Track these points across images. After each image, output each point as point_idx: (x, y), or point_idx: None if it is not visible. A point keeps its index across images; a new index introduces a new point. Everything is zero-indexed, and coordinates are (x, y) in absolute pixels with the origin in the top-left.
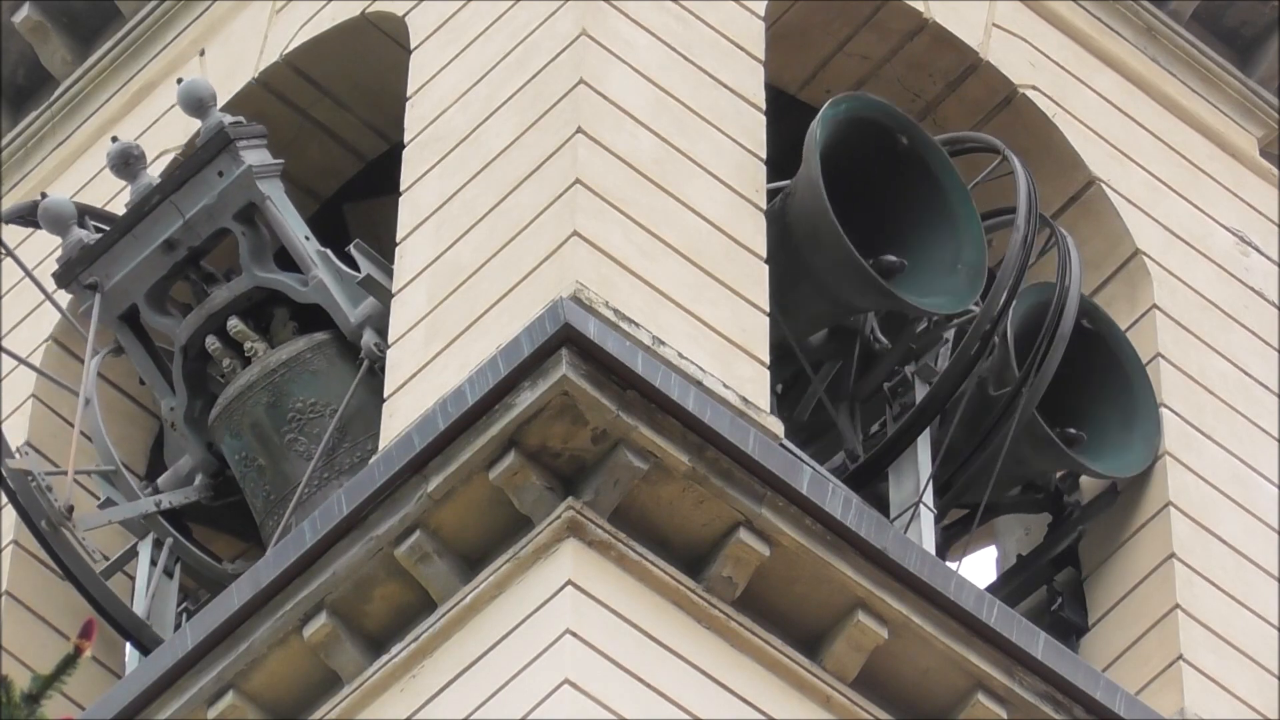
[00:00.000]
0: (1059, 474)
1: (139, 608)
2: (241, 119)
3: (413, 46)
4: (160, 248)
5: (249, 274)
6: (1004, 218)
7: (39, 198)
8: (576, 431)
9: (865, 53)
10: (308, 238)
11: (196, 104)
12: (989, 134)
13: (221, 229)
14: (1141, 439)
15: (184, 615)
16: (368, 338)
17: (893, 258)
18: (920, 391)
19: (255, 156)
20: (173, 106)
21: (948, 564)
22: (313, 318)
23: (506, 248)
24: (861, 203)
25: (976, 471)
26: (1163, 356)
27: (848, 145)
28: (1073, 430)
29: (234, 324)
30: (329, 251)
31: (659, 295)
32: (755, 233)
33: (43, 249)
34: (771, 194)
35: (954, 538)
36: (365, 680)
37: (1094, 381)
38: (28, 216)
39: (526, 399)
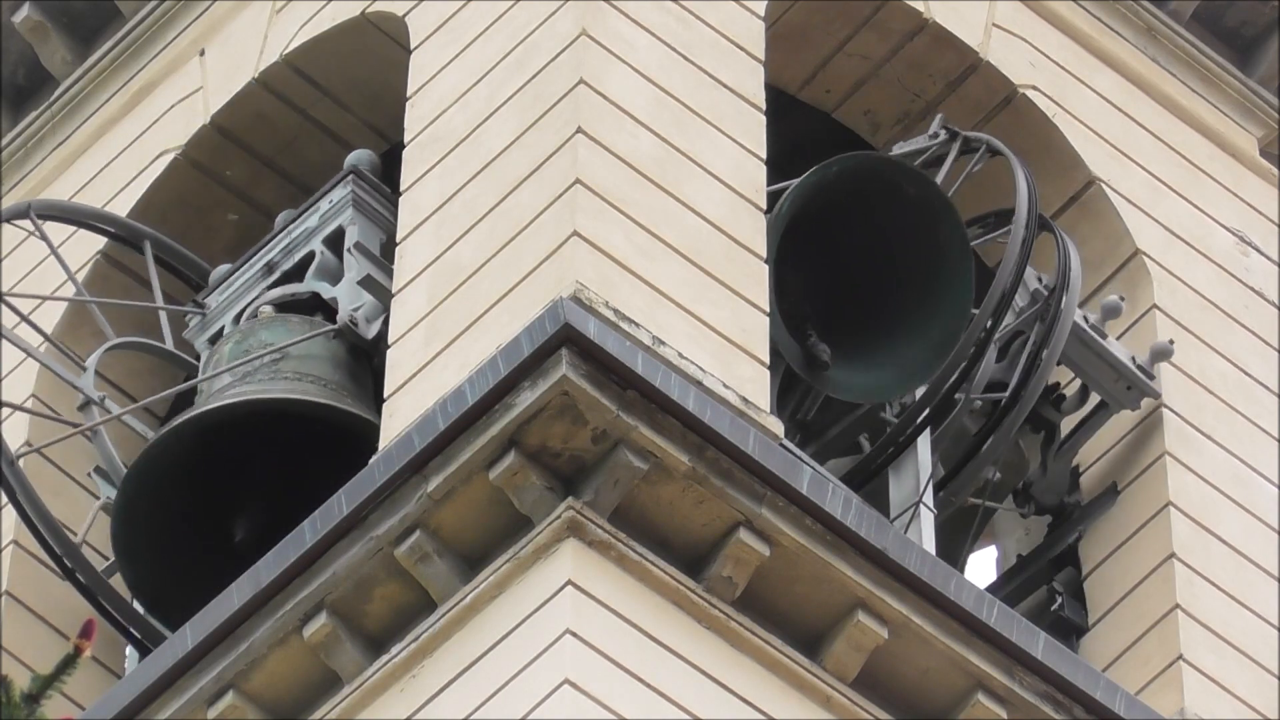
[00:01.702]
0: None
1: (139, 606)
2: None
3: (413, 46)
4: (261, 270)
5: (307, 281)
6: (1001, 231)
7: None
8: (576, 431)
9: (865, 53)
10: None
11: (355, 160)
12: (989, 134)
13: (310, 253)
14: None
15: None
16: (352, 312)
17: (823, 348)
18: (920, 392)
19: (368, 198)
20: (172, 106)
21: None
22: None
23: (506, 248)
24: (855, 236)
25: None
26: None
27: (853, 180)
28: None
29: (266, 310)
30: (373, 272)
31: (659, 295)
32: (755, 233)
33: (37, 254)
34: (772, 194)
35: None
36: (365, 680)
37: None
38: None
39: (526, 399)
